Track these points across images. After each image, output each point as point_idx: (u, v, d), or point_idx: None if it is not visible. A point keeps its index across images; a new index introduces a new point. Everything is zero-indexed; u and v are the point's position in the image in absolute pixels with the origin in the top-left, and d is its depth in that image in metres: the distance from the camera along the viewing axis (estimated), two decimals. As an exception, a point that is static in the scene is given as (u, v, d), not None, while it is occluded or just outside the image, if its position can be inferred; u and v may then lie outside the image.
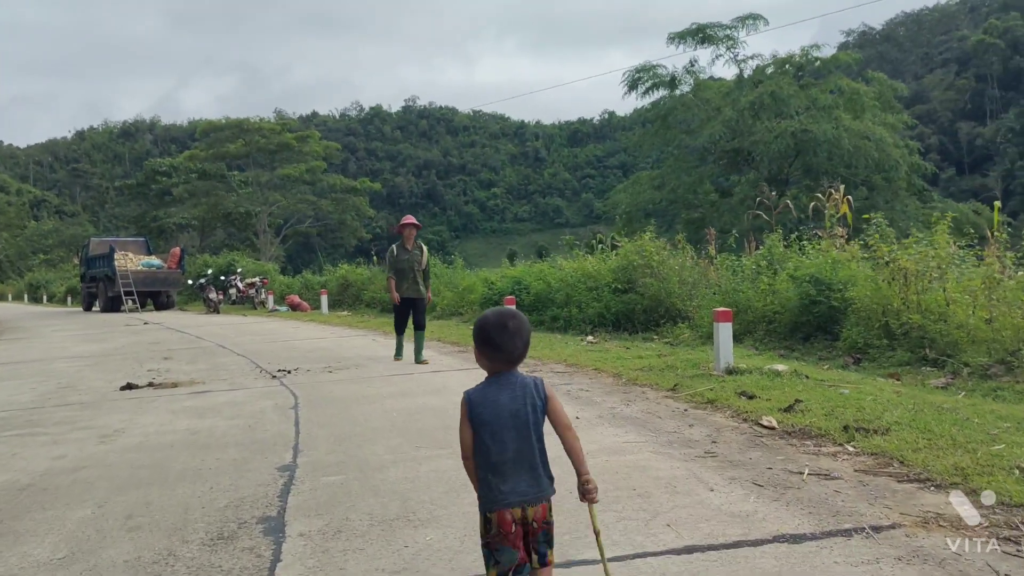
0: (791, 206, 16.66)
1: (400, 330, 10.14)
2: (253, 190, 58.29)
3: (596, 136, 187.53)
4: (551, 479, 2.51)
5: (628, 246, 14.11)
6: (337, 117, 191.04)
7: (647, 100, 34.39)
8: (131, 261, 29.03)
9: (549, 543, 2.49)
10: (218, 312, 25.30)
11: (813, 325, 9.71)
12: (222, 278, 30.01)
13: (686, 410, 6.12)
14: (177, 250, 30.03)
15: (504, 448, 2.43)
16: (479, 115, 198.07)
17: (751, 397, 6.08)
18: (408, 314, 9.99)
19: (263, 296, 26.43)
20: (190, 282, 29.68)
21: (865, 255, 10.22)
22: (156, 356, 12.20)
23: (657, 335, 12.12)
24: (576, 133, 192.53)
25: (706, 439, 5.15)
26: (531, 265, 17.27)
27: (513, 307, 4.19)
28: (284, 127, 62.39)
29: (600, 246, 22.14)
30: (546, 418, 2.49)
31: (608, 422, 5.86)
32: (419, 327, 9.96)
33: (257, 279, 28.39)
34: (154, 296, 29.38)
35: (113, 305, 28.15)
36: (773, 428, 5.19)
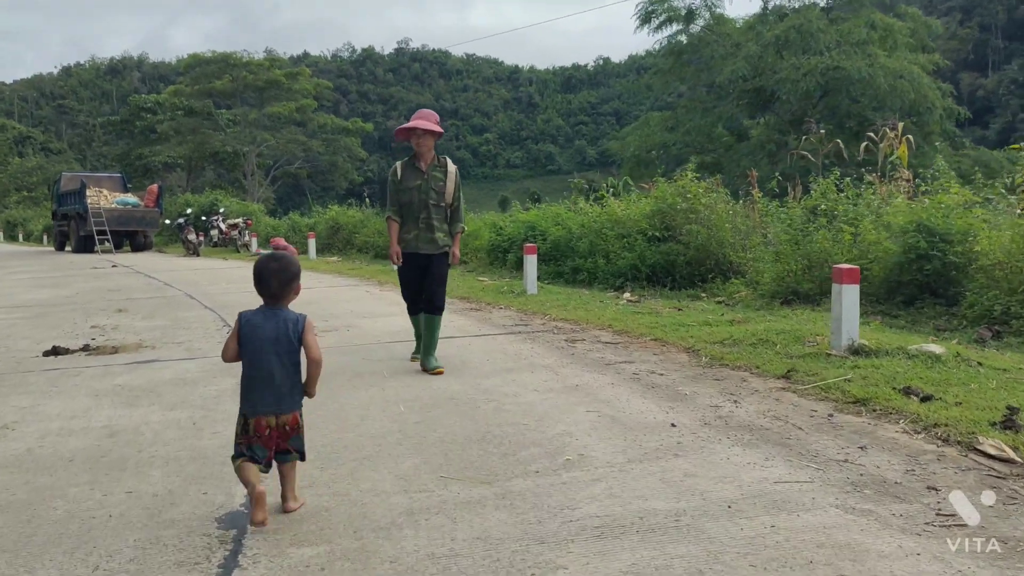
0: (842, 146, 14.61)
1: (414, 308, 6.15)
2: (241, 129, 55.73)
3: (590, 82, 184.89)
4: (302, 394, 3.16)
5: (664, 187, 12.10)
6: (329, 58, 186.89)
7: (660, 35, 31.91)
8: (105, 198, 26.85)
9: (301, 440, 3.15)
10: (198, 255, 23.26)
11: (918, 286, 7.79)
12: (203, 218, 27.87)
13: (831, 416, 4.21)
14: (155, 187, 27.81)
15: (263, 366, 3.01)
16: (472, 59, 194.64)
17: (925, 398, 4.16)
18: (419, 282, 5.94)
19: (246, 238, 24.36)
20: (167, 222, 27.53)
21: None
22: (110, 307, 10.22)
23: (705, 292, 10.19)
24: (570, 79, 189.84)
25: (911, 479, 3.24)
26: (545, 208, 15.21)
27: (285, 251, 3.57)
28: (273, 63, 59.43)
29: (611, 191, 20.14)
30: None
31: (724, 435, 3.95)
32: (433, 307, 5.87)
33: (240, 220, 26.26)
34: (130, 236, 27.27)
35: (86, 245, 26.06)
36: (1010, 460, 3.28)
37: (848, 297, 5.40)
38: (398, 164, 5.93)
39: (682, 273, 10.80)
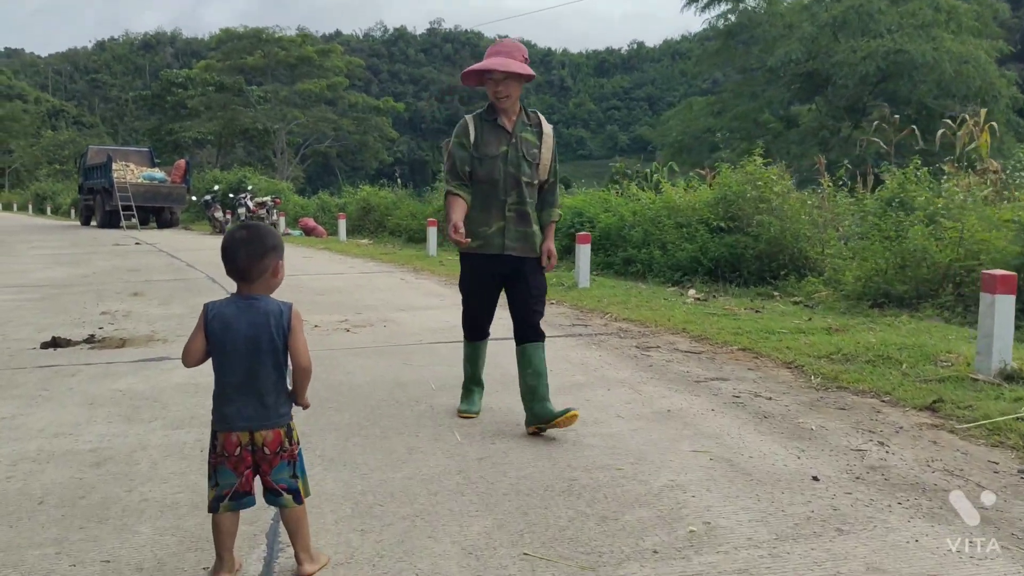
0: (917, 133, 13.45)
1: (479, 332, 4.32)
2: (271, 106, 55.11)
3: (624, 67, 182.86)
4: (289, 406, 2.40)
5: (728, 174, 11.08)
6: (361, 37, 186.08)
7: (708, 15, 30.55)
8: (132, 172, 26.22)
9: (296, 472, 2.37)
10: (224, 233, 22.52)
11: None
12: (231, 196, 27.13)
13: (1023, 473, 3.24)
14: (182, 162, 27.12)
15: (234, 372, 2.32)
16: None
17: None
18: (494, 298, 4.22)
19: (274, 218, 23.56)
20: (194, 199, 26.85)
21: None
22: (125, 290, 9.42)
23: (778, 291, 9.18)
24: (603, 63, 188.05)
25: None
26: (592, 192, 14.21)
27: (256, 223, 2.54)
28: (305, 40, 58.65)
29: (654, 177, 19.19)
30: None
31: (890, 498, 2.99)
32: (534, 332, 4.13)
33: (268, 199, 25.43)
34: (156, 212, 26.62)
35: (111, 220, 25.46)
36: None
37: (1002, 310, 4.40)
38: (468, 119, 3.99)
39: (750, 268, 9.79)
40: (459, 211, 3.89)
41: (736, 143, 29.54)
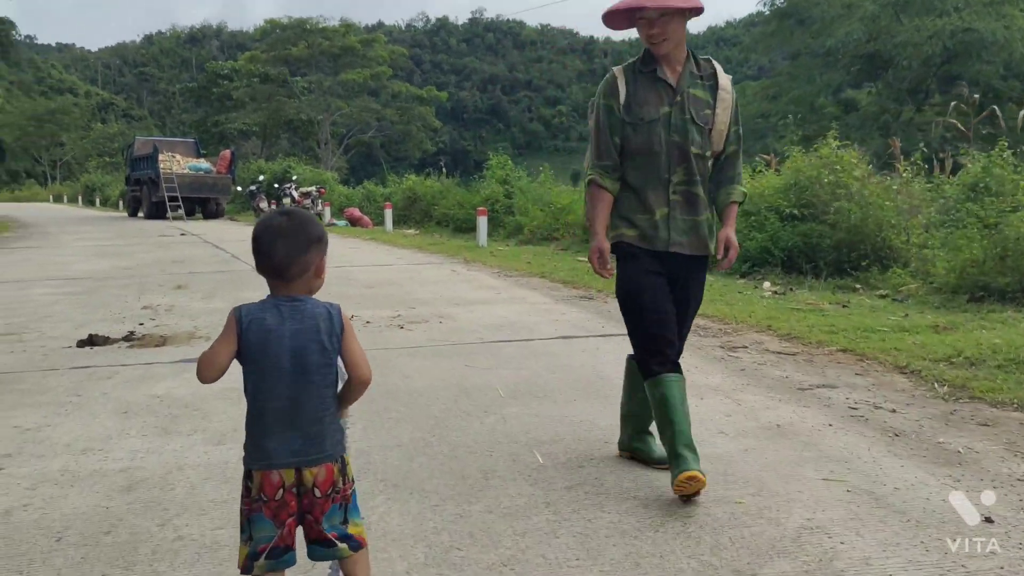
0: (999, 114, 12.57)
1: (662, 360, 2.96)
2: (316, 96, 55.18)
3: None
4: (342, 436, 1.90)
5: (799, 158, 10.38)
6: (403, 28, 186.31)
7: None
8: (178, 163, 26.15)
9: (348, 517, 1.85)
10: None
11: None
12: (276, 186, 26.95)
13: None
14: (227, 153, 27.00)
15: (277, 395, 1.80)
16: (547, 29, 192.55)
17: None
18: (668, 301, 3.03)
19: (319, 208, 23.28)
20: (239, 189, 26.69)
21: None
22: (168, 283, 9.07)
23: (859, 283, 8.49)
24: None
25: None
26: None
27: (297, 209, 1.93)
28: (348, 29, 58.54)
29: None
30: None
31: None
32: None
33: (313, 189, 25.20)
34: (202, 203, 26.51)
35: (157, 211, 25.41)
36: None
37: None
38: (617, 72, 3.02)
39: (827, 259, 9.09)
40: (604, 214, 2.95)
41: (792, 129, 28.49)
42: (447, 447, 3.40)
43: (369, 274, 9.84)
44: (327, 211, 22.53)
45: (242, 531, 1.85)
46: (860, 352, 5.01)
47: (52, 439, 3.55)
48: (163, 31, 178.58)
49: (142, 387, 4.44)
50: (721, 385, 4.38)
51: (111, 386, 4.47)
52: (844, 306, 6.90)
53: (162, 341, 5.71)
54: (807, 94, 28.02)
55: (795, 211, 9.61)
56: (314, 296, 1.92)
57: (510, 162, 18.64)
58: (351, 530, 1.86)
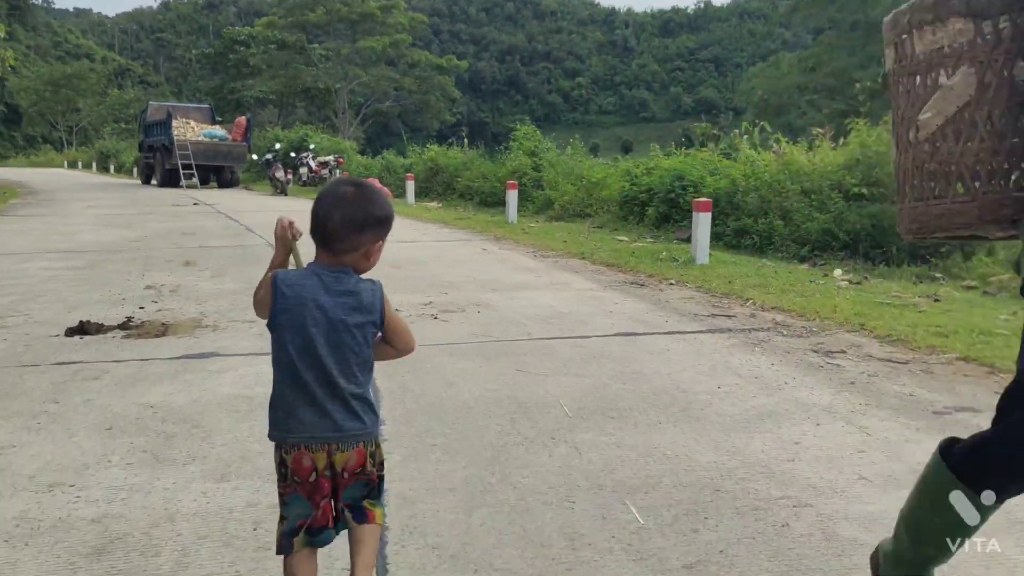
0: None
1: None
2: (333, 64, 54.27)
3: (690, 27, 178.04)
4: (377, 417, 1.79)
5: (864, 130, 9.50)
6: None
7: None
8: (192, 130, 25.35)
9: (372, 495, 1.80)
10: (285, 194, 21.53)
11: None
12: (292, 155, 26.16)
13: None
14: (243, 120, 26.18)
15: (313, 363, 1.70)
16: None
17: None
18: None
19: (337, 177, 22.56)
20: (255, 158, 25.91)
21: None
22: (176, 259, 8.34)
23: (939, 272, 7.66)
24: (668, 23, 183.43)
25: None
26: (693, 154, 12.65)
27: (364, 180, 1.80)
28: (367, -5, 57.40)
29: (744, 136, 17.55)
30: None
31: None
32: None
33: (331, 158, 24.40)
34: (217, 172, 25.74)
35: (171, 179, 24.67)
36: None
37: None
38: None
39: (900, 244, 8.25)
40: None
41: (827, 103, 27.47)
42: (513, 493, 2.63)
43: (394, 251, 9.04)
44: (345, 182, 21.73)
45: (282, 511, 1.78)
46: (987, 362, 4.20)
47: (14, 467, 2.82)
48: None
49: (133, 392, 3.69)
50: (834, 406, 3.58)
51: (97, 390, 3.73)
52: (936, 300, 6.08)
53: (162, 330, 4.97)
54: (846, 67, 26.82)
55: (863, 191, 8.75)
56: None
57: (538, 133, 17.76)
58: (365, 504, 1.79)
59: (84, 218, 13.40)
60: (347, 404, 1.72)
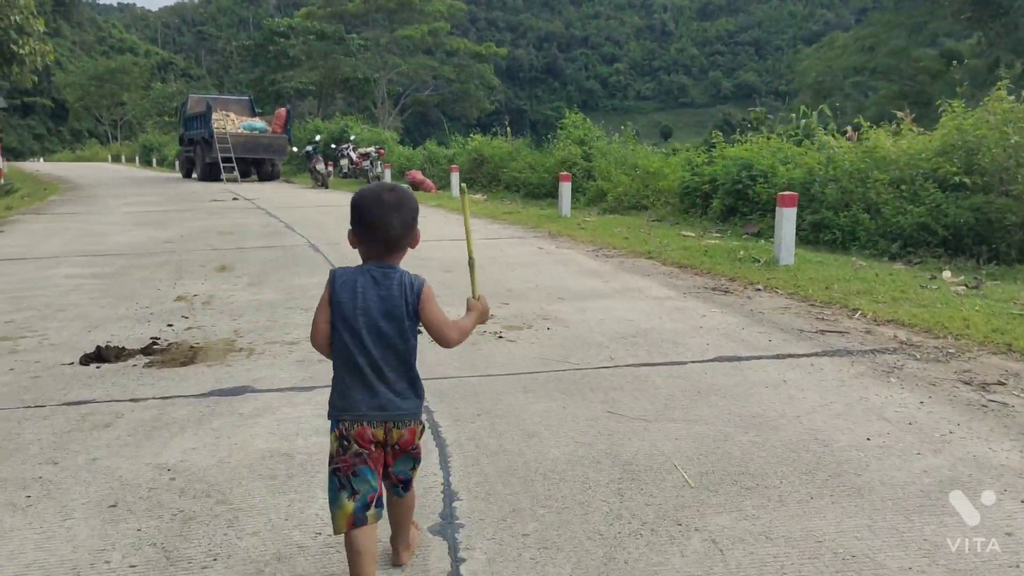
0: None
1: None
2: (372, 54, 53.90)
3: (728, 9, 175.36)
4: (421, 398, 2.07)
5: (960, 113, 8.57)
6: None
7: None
8: (232, 122, 24.91)
9: (415, 464, 2.10)
10: (326, 187, 20.99)
11: None
12: (333, 147, 25.63)
13: None
14: (282, 111, 25.65)
15: (362, 352, 1.98)
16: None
17: None
18: None
19: (379, 169, 21.88)
20: (295, 150, 25.42)
21: None
22: (211, 263, 7.74)
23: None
24: (707, 6, 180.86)
25: None
26: (760, 141, 11.72)
27: (396, 183, 2.63)
28: (405, -18, 56.79)
29: (802, 121, 16.68)
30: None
31: None
32: None
33: (372, 149, 23.77)
34: (257, 164, 25.30)
35: (211, 173, 24.26)
36: None
37: None
38: None
39: (1010, 240, 7.34)
40: None
41: (885, 84, 26.18)
42: (647, 624, 1.90)
43: (443, 251, 8.37)
44: (387, 173, 21.11)
45: (342, 489, 1.94)
46: None
47: (-17, 572, 2.16)
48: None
49: (149, 447, 3.04)
50: (1022, 467, 2.80)
51: (106, 443, 3.08)
52: (1079, 310, 5.21)
53: (191, 355, 4.33)
54: (907, 46, 25.45)
55: (965, 180, 7.83)
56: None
57: (588, 121, 16.93)
58: (413, 474, 2.08)
59: (119, 216, 12.93)
60: (396, 385, 1.98)
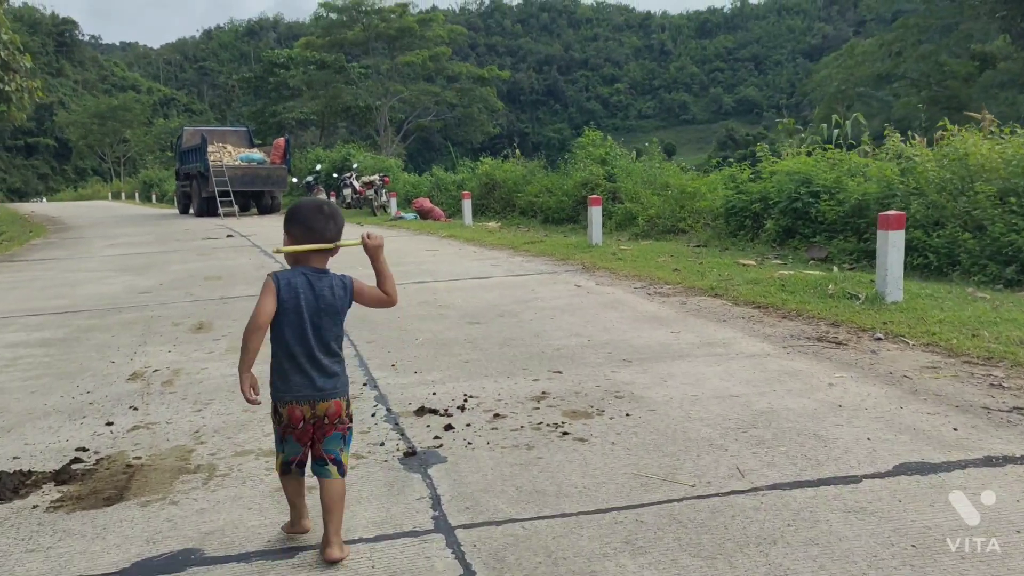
0: None
1: None
2: (373, 81, 53.11)
3: (727, 26, 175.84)
4: (347, 382, 2.45)
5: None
6: (457, 11, 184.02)
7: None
8: (228, 154, 23.71)
9: (344, 443, 2.42)
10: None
11: None
12: (335, 176, 24.40)
13: None
14: (281, 141, 24.43)
15: (299, 342, 2.34)
16: (602, 6, 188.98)
17: None
18: None
19: (384, 198, 20.63)
20: (295, 180, 24.19)
21: None
22: (187, 320, 6.40)
23: None
24: (705, 24, 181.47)
25: None
26: (817, 155, 10.32)
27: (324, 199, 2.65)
28: (404, 9, 56.06)
29: (835, 131, 15.40)
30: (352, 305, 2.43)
31: None
32: None
33: (376, 177, 22.52)
34: (256, 197, 24.09)
35: (208, 208, 23.02)
36: None
37: None
38: None
39: None
40: None
41: (912, 92, 24.88)
42: None
43: (464, 296, 7.03)
44: (393, 202, 19.82)
45: (277, 444, 2.43)
46: None
47: None
48: (222, 25, 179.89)
49: None
50: None
51: None
52: None
53: (123, 483, 2.98)
54: (937, 49, 24.12)
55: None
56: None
57: (610, 139, 15.65)
58: (343, 457, 2.40)
59: (100, 261, 11.63)
60: (327, 368, 2.35)
